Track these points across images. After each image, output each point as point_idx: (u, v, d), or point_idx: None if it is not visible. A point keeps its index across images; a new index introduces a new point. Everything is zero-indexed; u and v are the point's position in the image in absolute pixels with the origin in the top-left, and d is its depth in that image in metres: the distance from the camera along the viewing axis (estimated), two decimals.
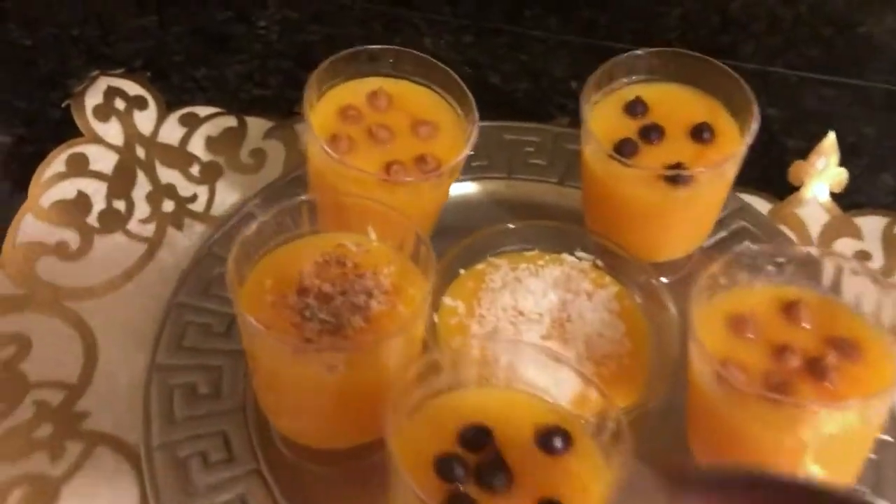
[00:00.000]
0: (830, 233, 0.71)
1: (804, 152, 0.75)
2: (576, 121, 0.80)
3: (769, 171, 0.73)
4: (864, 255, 0.70)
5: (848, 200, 0.73)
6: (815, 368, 0.48)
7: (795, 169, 0.74)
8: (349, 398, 0.50)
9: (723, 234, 0.68)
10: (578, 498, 0.44)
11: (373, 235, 0.54)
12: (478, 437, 0.45)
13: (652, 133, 0.60)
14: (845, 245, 0.70)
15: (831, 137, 0.73)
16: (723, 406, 0.49)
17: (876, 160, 0.76)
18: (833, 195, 0.73)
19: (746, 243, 0.52)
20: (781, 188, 0.73)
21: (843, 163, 0.73)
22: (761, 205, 0.72)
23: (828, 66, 0.82)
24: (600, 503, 0.43)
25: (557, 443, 0.45)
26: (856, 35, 0.81)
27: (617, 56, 0.61)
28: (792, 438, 0.47)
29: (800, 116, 0.78)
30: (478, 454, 0.45)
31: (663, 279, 0.60)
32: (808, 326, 0.51)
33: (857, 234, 0.71)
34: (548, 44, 0.84)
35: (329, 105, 0.59)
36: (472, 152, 0.59)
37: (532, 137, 0.73)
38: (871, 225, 0.72)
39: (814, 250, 0.52)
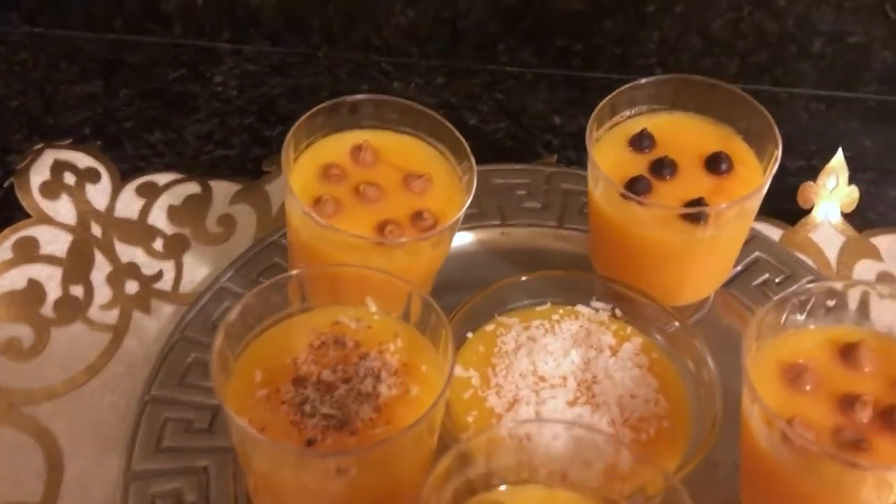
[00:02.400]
0: (849, 255, 0.67)
1: (804, 171, 0.72)
2: (564, 157, 0.76)
3: (773, 195, 0.69)
4: (888, 277, 0.65)
5: (859, 219, 0.69)
6: (891, 419, 0.43)
7: (804, 190, 0.70)
8: (362, 502, 0.43)
9: (737, 268, 0.63)
10: None
11: (372, 307, 0.48)
12: None
13: (664, 168, 0.55)
14: (867, 268, 0.66)
15: (839, 156, 0.69)
16: (787, 467, 0.44)
17: (880, 174, 0.73)
18: (844, 215, 0.69)
19: (807, 284, 0.47)
20: (789, 212, 0.69)
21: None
22: (771, 231, 0.68)
23: (818, 80, 0.79)
24: None
25: None
26: (845, 46, 0.77)
27: (619, 88, 0.56)
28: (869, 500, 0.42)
29: (794, 134, 0.75)
30: None
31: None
32: (870, 370, 0.46)
33: (875, 254, 0.67)
34: (524, 79, 0.80)
35: (309, 164, 0.53)
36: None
37: (522, 179, 0.69)
38: (889, 244, 0.68)
39: (863, 284, 0.47)
